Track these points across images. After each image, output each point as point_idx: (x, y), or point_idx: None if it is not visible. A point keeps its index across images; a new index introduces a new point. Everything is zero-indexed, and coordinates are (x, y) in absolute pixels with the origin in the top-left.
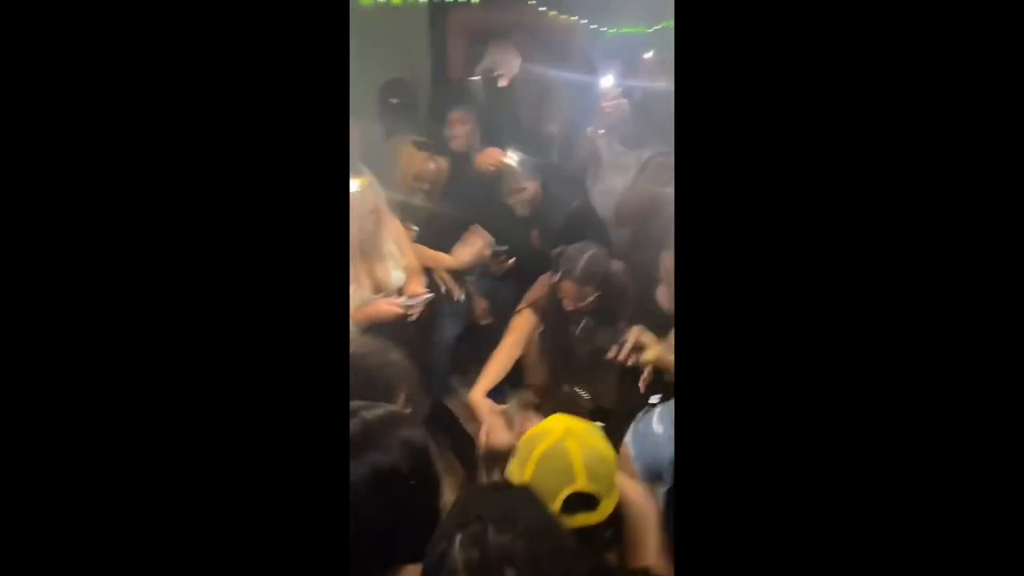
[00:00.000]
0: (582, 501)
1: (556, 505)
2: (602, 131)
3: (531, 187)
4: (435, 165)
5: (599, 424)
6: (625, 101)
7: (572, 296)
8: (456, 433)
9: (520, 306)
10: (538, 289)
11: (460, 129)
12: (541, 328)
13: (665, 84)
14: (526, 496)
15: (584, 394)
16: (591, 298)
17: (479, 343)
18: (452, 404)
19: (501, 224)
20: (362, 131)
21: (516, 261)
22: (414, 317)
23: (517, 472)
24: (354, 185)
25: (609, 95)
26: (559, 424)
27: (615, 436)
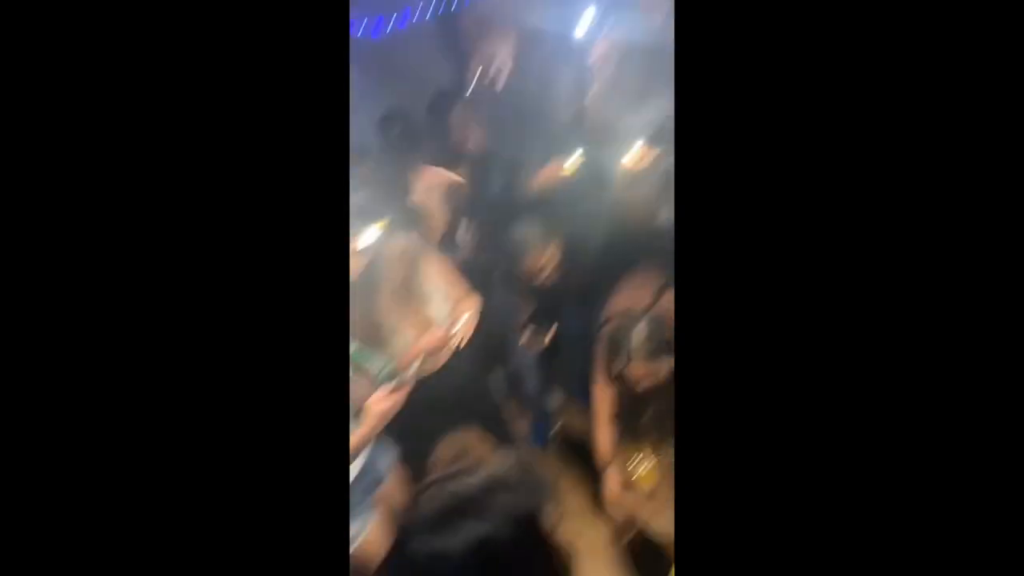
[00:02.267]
0: None
1: None
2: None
3: (550, 254)
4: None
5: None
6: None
7: (644, 376)
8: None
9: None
10: (600, 370)
11: (470, 132)
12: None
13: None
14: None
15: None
16: (667, 367)
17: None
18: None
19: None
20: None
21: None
22: (464, 342)
23: None
24: (374, 232)
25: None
26: None
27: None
